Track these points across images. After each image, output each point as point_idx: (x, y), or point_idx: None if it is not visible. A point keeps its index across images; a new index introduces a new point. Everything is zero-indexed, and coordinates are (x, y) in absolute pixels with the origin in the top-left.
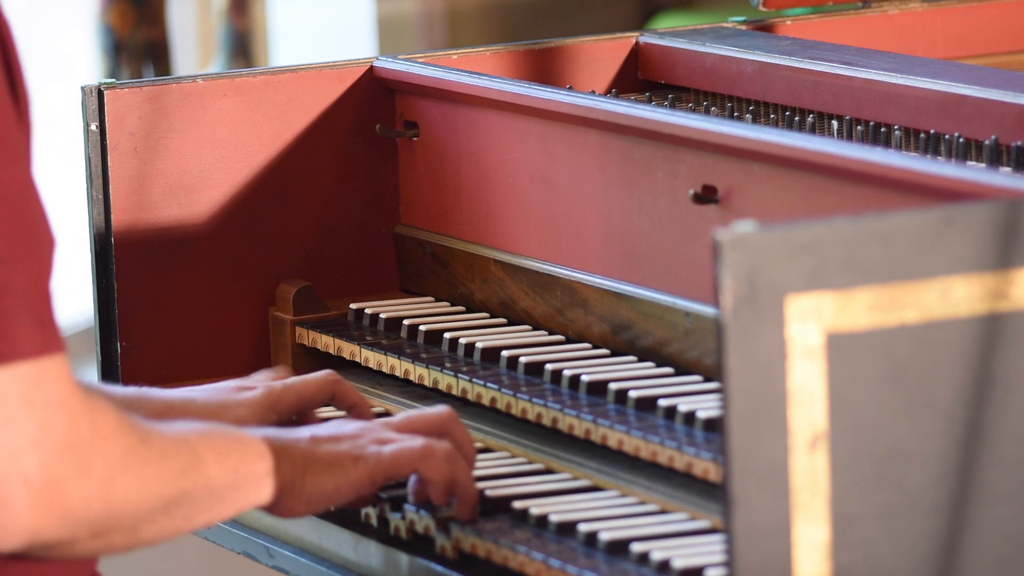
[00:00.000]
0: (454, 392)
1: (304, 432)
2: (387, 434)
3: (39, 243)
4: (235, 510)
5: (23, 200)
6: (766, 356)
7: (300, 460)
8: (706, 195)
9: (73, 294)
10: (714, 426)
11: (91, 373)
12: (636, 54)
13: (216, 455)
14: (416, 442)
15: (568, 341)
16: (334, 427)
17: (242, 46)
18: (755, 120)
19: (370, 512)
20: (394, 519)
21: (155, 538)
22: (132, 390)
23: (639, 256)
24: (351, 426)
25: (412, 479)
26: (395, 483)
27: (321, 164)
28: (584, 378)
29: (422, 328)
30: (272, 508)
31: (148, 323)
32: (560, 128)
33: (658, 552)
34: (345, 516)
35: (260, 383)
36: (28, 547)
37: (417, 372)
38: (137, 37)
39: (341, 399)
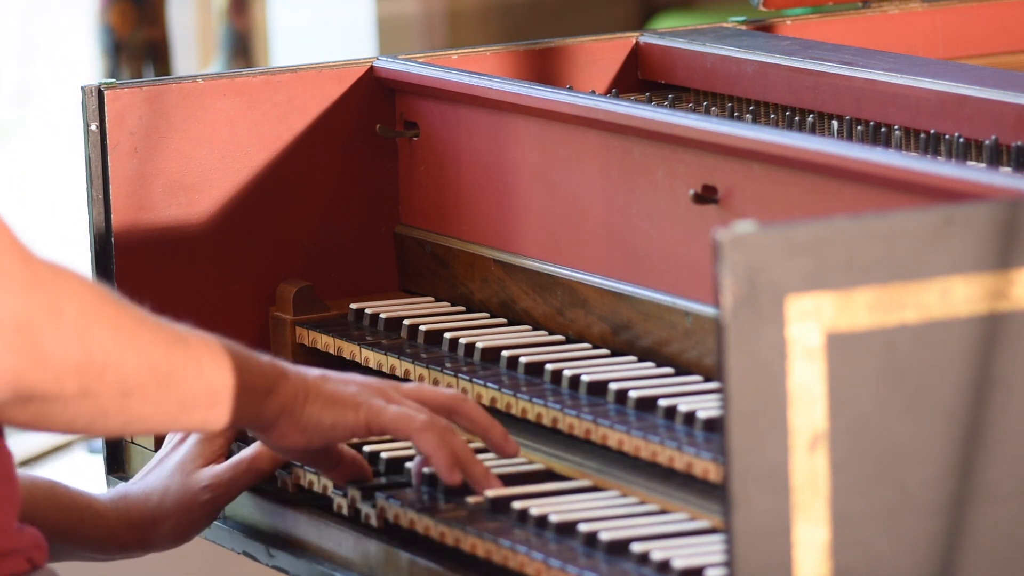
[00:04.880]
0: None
1: (315, 370)
2: (396, 394)
3: None
4: (234, 417)
5: None
6: (766, 356)
7: (303, 389)
8: (706, 195)
9: None
10: (714, 426)
11: None
12: (636, 54)
13: (210, 352)
14: (422, 413)
15: (568, 341)
16: (347, 374)
17: (242, 46)
18: (755, 120)
19: (370, 512)
20: (392, 506)
21: (152, 417)
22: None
23: (639, 256)
24: (363, 377)
25: (416, 461)
26: (395, 483)
27: (321, 164)
28: (584, 378)
29: (422, 328)
30: (268, 432)
31: None
32: (560, 128)
33: (658, 552)
34: (345, 516)
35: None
36: (17, 396)
37: (417, 372)
38: (137, 37)
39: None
